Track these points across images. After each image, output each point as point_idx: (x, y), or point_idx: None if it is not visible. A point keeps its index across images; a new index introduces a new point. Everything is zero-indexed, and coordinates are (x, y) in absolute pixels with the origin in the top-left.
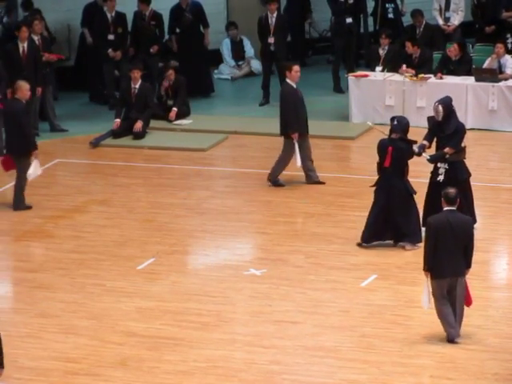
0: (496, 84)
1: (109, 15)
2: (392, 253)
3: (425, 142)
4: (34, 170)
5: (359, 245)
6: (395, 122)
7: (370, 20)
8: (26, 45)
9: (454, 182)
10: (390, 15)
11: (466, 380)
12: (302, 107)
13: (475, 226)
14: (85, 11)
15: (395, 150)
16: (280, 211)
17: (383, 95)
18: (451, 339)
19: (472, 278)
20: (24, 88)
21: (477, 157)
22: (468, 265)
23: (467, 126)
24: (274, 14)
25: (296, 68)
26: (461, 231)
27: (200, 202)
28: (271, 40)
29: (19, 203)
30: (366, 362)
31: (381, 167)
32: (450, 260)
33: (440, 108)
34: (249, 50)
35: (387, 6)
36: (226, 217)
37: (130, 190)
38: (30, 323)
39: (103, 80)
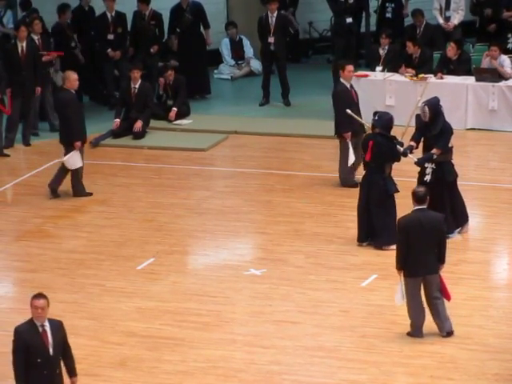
0: (496, 84)
1: (109, 15)
2: (392, 253)
3: (412, 143)
4: (71, 160)
5: (359, 245)
6: (376, 117)
7: (373, 20)
8: (24, 44)
9: (441, 182)
10: (388, 15)
11: (467, 380)
12: (356, 107)
13: (469, 225)
14: (72, 17)
15: (375, 144)
16: (280, 211)
17: (383, 95)
18: (411, 335)
19: (472, 278)
20: (72, 78)
21: (477, 157)
22: (441, 260)
23: (467, 126)
24: (274, 14)
25: (349, 67)
26: (431, 229)
27: (200, 202)
28: (271, 40)
29: (80, 190)
30: (366, 362)
31: (364, 162)
32: (423, 258)
33: (426, 109)
34: (248, 49)
35: (387, 5)
36: (226, 217)
37: (129, 189)
38: None
39: (103, 80)
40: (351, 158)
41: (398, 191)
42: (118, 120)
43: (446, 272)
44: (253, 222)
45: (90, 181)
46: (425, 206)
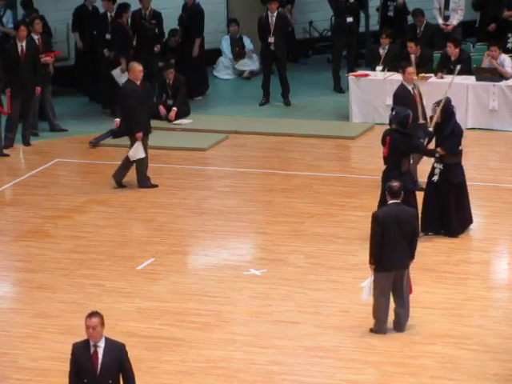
0: (497, 83)
1: (108, 15)
2: None
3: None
4: (135, 152)
5: None
6: (393, 113)
7: (374, 20)
8: (24, 44)
9: (447, 184)
10: (390, 13)
11: (467, 380)
12: (417, 108)
13: (471, 226)
14: (74, 15)
15: (392, 140)
16: (280, 211)
17: (383, 95)
18: (375, 331)
19: (472, 278)
20: (135, 69)
21: (477, 156)
22: (411, 256)
23: (468, 126)
24: (275, 14)
25: (409, 70)
26: (406, 223)
27: (200, 202)
28: (271, 40)
29: (143, 181)
30: (366, 362)
31: (383, 157)
32: (397, 253)
33: (438, 109)
34: (248, 44)
35: (389, 3)
36: (226, 217)
37: (129, 189)
38: (30, 323)
39: (102, 80)
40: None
41: (417, 188)
42: (118, 120)
43: (446, 272)
44: (253, 222)
45: (90, 180)
46: (399, 201)
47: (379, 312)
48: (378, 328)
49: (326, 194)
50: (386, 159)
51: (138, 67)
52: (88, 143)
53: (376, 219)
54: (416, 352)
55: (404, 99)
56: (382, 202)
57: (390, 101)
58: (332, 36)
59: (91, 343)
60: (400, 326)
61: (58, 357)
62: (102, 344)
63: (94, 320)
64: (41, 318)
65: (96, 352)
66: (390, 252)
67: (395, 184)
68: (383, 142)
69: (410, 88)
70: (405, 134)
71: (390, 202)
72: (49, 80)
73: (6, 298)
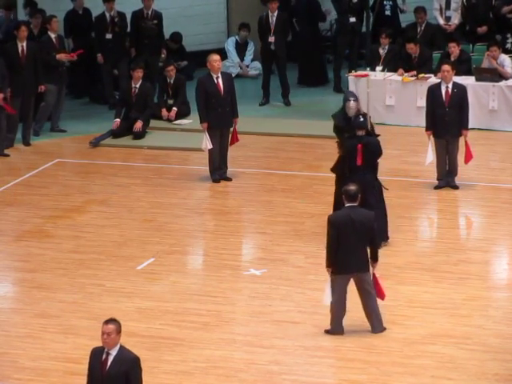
0: (496, 84)
1: (107, 15)
2: (392, 253)
3: None
4: (203, 143)
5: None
6: (361, 119)
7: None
8: (25, 44)
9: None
10: (387, 12)
11: (466, 380)
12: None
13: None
14: (65, 20)
15: (364, 146)
16: (280, 211)
17: (383, 95)
18: (329, 332)
19: (472, 278)
20: (210, 59)
21: (477, 156)
22: (374, 258)
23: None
24: (275, 13)
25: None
26: (362, 226)
27: (200, 202)
28: (271, 39)
29: (210, 172)
30: (366, 362)
31: (353, 167)
32: (353, 256)
33: (352, 104)
34: (248, 56)
35: (385, 3)
36: (226, 217)
37: (129, 189)
38: (30, 323)
39: (102, 80)
40: (428, 157)
41: (387, 189)
42: (118, 120)
43: (445, 272)
44: (253, 222)
45: (89, 181)
46: (356, 204)
47: (336, 313)
48: (334, 328)
49: (325, 194)
50: (358, 168)
51: (213, 57)
52: (88, 143)
53: (330, 222)
54: (416, 352)
55: (429, 97)
56: (337, 204)
57: (390, 101)
58: (335, 35)
59: (105, 350)
60: (373, 327)
61: (58, 357)
62: (113, 352)
63: (110, 326)
64: (41, 317)
65: (106, 360)
66: (346, 255)
67: (352, 188)
68: (353, 152)
69: (442, 86)
70: (373, 135)
71: (346, 205)
72: (64, 80)
73: (6, 297)
